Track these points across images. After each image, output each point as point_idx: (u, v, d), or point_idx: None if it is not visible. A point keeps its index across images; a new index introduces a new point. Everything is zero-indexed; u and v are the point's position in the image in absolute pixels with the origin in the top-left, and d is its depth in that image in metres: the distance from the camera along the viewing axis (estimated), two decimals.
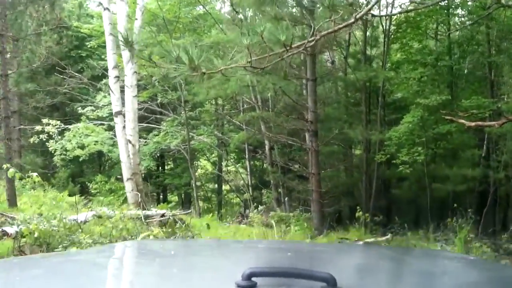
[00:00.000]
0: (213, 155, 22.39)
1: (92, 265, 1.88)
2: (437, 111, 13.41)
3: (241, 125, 17.54)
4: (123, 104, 12.41)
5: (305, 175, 15.14)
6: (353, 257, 2.11)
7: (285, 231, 10.05)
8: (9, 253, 5.98)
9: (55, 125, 16.38)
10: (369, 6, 3.43)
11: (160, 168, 22.80)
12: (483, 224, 13.16)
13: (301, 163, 16.40)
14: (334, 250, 2.54)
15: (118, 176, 17.13)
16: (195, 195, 17.55)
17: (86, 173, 22.34)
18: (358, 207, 12.03)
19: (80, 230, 6.76)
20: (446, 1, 14.35)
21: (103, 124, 17.66)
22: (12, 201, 11.13)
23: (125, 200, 13.26)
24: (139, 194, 11.52)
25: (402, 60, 17.52)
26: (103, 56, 16.61)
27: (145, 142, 18.21)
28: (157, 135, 18.30)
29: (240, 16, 13.91)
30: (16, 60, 15.37)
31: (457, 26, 16.77)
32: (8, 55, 14.46)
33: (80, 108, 18.09)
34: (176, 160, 21.96)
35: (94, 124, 17.59)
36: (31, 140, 17.14)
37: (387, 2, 16.50)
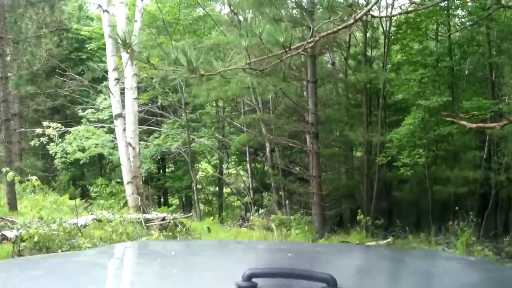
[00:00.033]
0: (214, 157, 22.37)
1: (93, 265, 1.88)
2: (438, 112, 13.36)
3: (242, 127, 17.51)
4: (123, 106, 12.39)
5: (306, 178, 15.10)
6: (353, 258, 2.12)
7: (286, 234, 10.02)
8: (8, 257, 5.94)
9: (56, 128, 16.37)
10: (368, 7, 3.40)
11: (161, 171, 22.77)
12: (484, 226, 13.13)
13: (302, 166, 16.36)
14: (334, 251, 2.54)
15: (119, 179, 17.10)
16: (195, 198, 17.52)
17: (87, 176, 22.31)
18: (359, 210, 12.00)
19: (80, 234, 6.74)
20: (446, 2, 14.31)
21: (103, 127, 17.63)
22: (13, 205, 11.09)
23: (126, 204, 13.22)
24: (139, 198, 11.49)
25: (403, 61, 17.48)
26: (103, 58, 16.60)
27: (146, 144, 18.18)
28: (157, 138, 18.27)
29: (240, 17, 13.91)
30: (16, 62, 15.37)
31: (457, 27, 16.73)
32: (8, 58, 14.45)
33: (80, 110, 18.07)
34: (177, 162, 21.93)
35: (95, 127, 17.57)
36: (32, 143, 17.13)
37: (387, 3, 16.50)
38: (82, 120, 17.76)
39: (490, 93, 15.68)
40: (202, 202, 21.77)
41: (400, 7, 16.66)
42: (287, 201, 16.21)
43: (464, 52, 16.93)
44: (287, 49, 3.19)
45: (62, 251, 5.74)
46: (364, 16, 3.44)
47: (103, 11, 11.86)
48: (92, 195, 18.85)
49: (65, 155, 17.46)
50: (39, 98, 18.11)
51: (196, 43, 14.98)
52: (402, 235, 10.43)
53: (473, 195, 16.06)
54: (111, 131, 15.99)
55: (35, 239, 6.02)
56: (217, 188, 23.70)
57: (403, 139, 14.66)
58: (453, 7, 15.73)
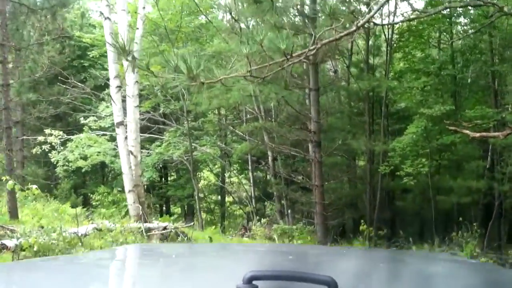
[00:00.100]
0: (216, 166, 22.30)
1: (94, 267, 1.92)
2: (441, 121, 13.27)
3: (244, 135, 17.46)
4: (125, 114, 12.35)
5: (308, 187, 15.02)
6: (354, 260, 2.16)
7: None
8: None
9: (58, 136, 16.34)
10: (371, 14, 3.35)
11: (163, 179, 22.71)
12: (488, 237, 13.00)
13: (304, 175, 16.26)
14: (335, 253, 2.58)
15: (120, 188, 17.05)
16: (197, 207, 17.44)
17: (89, 185, 22.29)
18: (362, 220, 11.90)
19: (80, 244, 6.67)
20: (448, 10, 14.27)
21: (105, 135, 17.60)
22: (14, 213, 11.03)
23: (127, 212, 13.16)
24: (141, 207, 11.41)
25: (405, 69, 17.45)
26: (105, 66, 16.60)
27: (148, 152, 18.13)
28: (159, 146, 18.22)
29: (242, 25, 13.89)
30: (18, 70, 15.39)
31: (459, 35, 16.70)
32: (10, 65, 14.46)
33: (82, 118, 18.05)
34: (179, 171, 21.88)
35: (97, 135, 17.54)
36: (34, 150, 17.10)
37: (389, 11, 16.46)
38: (84, 128, 17.73)
39: (493, 101, 15.59)
40: (204, 211, 21.69)
41: (402, 14, 16.61)
42: (289, 211, 16.12)
43: (466, 60, 16.87)
44: (288, 57, 3.14)
45: None
46: (366, 24, 3.39)
47: (105, 19, 11.83)
48: (94, 203, 18.81)
49: (67, 163, 17.43)
50: (41, 106, 18.10)
51: (198, 50, 14.97)
52: (405, 246, 10.33)
53: (476, 205, 15.96)
54: (113, 139, 15.96)
55: (35, 249, 5.96)
56: (219, 197, 23.62)
57: (406, 148, 14.57)
58: (455, 14, 15.70)
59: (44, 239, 6.09)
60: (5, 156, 11.84)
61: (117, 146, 13.00)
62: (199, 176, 22.26)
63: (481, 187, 14.76)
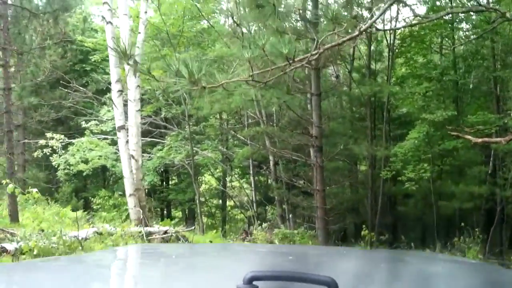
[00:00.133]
0: (218, 170, 22.27)
1: (96, 266, 1.93)
2: (442, 126, 13.26)
3: (246, 140, 17.43)
4: (126, 118, 12.34)
5: (309, 191, 14.99)
6: (354, 261, 2.15)
7: None
8: None
9: (59, 139, 16.35)
10: (374, 19, 3.34)
11: (164, 183, 22.69)
12: (490, 243, 12.96)
13: (306, 179, 16.24)
14: (335, 253, 2.57)
15: (121, 192, 17.03)
16: (198, 211, 17.40)
17: (90, 188, 22.28)
18: (364, 225, 11.87)
19: (80, 248, 6.65)
20: (450, 15, 14.28)
21: (107, 139, 17.59)
22: (14, 217, 11.03)
23: (128, 216, 13.14)
24: (141, 211, 11.39)
25: (407, 74, 17.44)
26: (107, 70, 16.61)
27: (149, 156, 18.12)
28: (161, 150, 18.20)
29: (244, 30, 13.91)
30: (20, 74, 15.40)
31: (461, 40, 16.68)
32: (12, 69, 14.48)
33: (84, 122, 18.06)
34: (180, 175, 21.86)
35: (98, 139, 17.54)
36: (35, 154, 17.13)
37: (391, 16, 16.50)
38: (86, 132, 17.73)
39: (495, 107, 15.56)
40: (205, 215, 21.64)
41: (404, 20, 16.65)
42: (290, 215, 16.08)
43: (468, 65, 16.85)
44: (291, 61, 3.12)
45: None
46: (369, 28, 3.38)
47: (107, 23, 11.85)
48: (94, 207, 18.79)
49: (68, 167, 17.41)
50: (42, 110, 18.12)
51: (199, 55, 14.96)
52: None
53: (478, 211, 15.92)
54: (115, 143, 15.95)
55: (35, 252, 5.95)
56: (220, 201, 23.58)
57: (408, 153, 14.54)
58: (457, 20, 15.72)
59: (44, 243, 6.08)
60: (6, 159, 11.85)
61: (118, 150, 12.99)
62: (200, 180, 22.24)
63: (483, 193, 14.70)
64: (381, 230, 13.94)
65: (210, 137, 19.60)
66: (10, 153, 11.44)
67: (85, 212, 15.79)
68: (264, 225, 13.34)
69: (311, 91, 12.57)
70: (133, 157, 12.11)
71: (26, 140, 18.55)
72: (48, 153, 16.67)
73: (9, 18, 13.54)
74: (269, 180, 19.86)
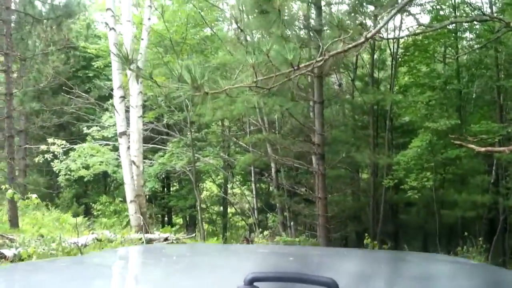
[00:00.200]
0: (219, 177, 22.21)
1: (97, 266, 1.92)
2: (445, 135, 13.20)
3: (247, 147, 17.38)
4: (128, 124, 12.32)
5: (311, 199, 14.92)
6: (354, 262, 2.16)
7: None
8: None
9: (61, 145, 16.34)
10: (380, 26, 3.30)
11: (165, 189, 22.65)
12: (493, 252, 12.87)
13: (308, 187, 16.18)
14: (336, 254, 2.57)
15: (121, 198, 17.00)
16: (199, 217, 17.33)
17: (91, 194, 22.25)
18: (366, 234, 11.80)
19: (79, 254, 6.59)
20: (454, 25, 14.27)
21: (108, 145, 17.59)
22: (14, 222, 11.00)
23: (129, 222, 13.09)
24: (142, 217, 11.34)
25: (410, 83, 17.40)
26: (110, 77, 16.63)
27: (151, 163, 18.09)
28: (162, 156, 18.17)
29: (248, 37, 13.91)
30: (22, 79, 15.41)
31: (465, 50, 16.67)
32: (15, 75, 14.49)
33: (86, 128, 18.06)
34: (182, 181, 21.82)
35: (100, 144, 17.52)
36: (36, 159, 17.12)
37: (394, 25, 16.49)
38: (87, 138, 17.73)
39: (498, 116, 15.51)
40: (206, 221, 21.57)
41: (407, 29, 16.65)
42: (292, 223, 16.01)
43: (472, 75, 16.82)
44: (295, 68, 3.08)
45: None
46: (375, 35, 3.34)
47: (110, 29, 11.85)
48: (95, 213, 18.76)
49: (69, 172, 17.39)
50: (44, 115, 18.13)
51: (202, 62, 14.95)
52: None
53: (480, 220, 15.83)
54: (116, 149, 15.94)
55: (34, 259, 5.89)
56: (221, 208, 23.50)
57: (411, 161, 14.48)
58: (461, 29, 15.69)
59: (43, 249, 6.03)
60: (7, 164, 11.82)
61: (120, 156, 12.96)
62: (202, 187, 22.18)
63: (485, 202, 14.64)
64: (383, 238, 13.85)
65: (212, 144, 19.58)
66: (10, 158, 11.41)
67: (86, 218, 15.78)
68: (265, 232, 13.28)
69: (314, 99, 12.53)
70: (134, 163, 12.07)
71: (27, 146, 18.54)
72: (49, 159, 16.66)
73: (12, 24, 13.58)
74: (270, 187, 19.80)
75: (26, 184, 15.46)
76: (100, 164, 17.38)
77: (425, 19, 15.90)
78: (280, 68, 3.18)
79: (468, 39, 17.34)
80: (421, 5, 14.73)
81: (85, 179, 18.30)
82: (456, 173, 15.51)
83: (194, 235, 13.21)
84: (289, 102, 11.66)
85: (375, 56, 17.14)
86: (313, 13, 11.56)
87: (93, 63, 19.92)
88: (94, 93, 19.37)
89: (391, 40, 16.39)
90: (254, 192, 18.78)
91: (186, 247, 3.97)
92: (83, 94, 18.23)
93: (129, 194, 11.89)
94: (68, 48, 17.14)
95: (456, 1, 15.08)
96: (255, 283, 1.27)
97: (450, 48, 17.51)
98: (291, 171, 17.99)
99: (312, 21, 10.94)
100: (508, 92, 15.95)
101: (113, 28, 11.81)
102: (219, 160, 19.41)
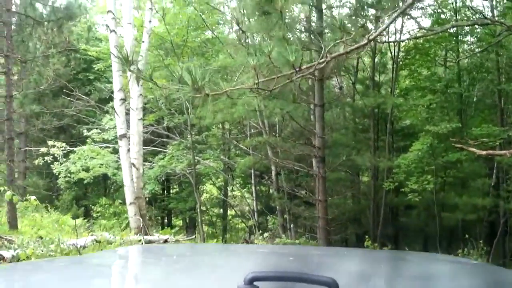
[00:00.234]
0: (219, 179, 22.19)
1: (97, 266, 1.92)
2: (446, 138, 13.18)
3: (248, 150, 17.38)
4: (128, 127, 12.31)
5: (311, 202, 14.91)
6: (355, 261, 2.16)
7: None
8: None
9: (61, 147, 16.33)
10: (383, 27, 3.28)
11: (165, 191, 22.64)
12: (493, 255, 12.84)
13: (308, 189, 16.16)
14: (336, 254, 2.57)
15: (121, 201, 16.97)
16: (199, 219, 17.32)
17: (91, 196, 22.24)
18: (366, 236, 11.77)
19: (78, 256, 6.56)
20: (455, 28, 14.27)
21: (108, 147, 17.58)
22: (13, 224, 10.99)
23: (128, 224, 13.07)
24: (141, 219, 11.32)
25: (411, 86, 17.40)
26: (110, 79, 16.63)
27: (151, 165, 18.08)
28: (162, 159, 18.16)
29: (248, 40, 13.89)
30: (23, 81, 15.39)
31: (466, 53, 16.64)
32: (16, 77, 14.48)
33: (86, 130, 18.05)
34: (182, 184, 21.81)
35: (100, 147, 17.51)
36: (36, 162, 17.10)
37: (395, 29, 16.48)
38: (87, 140, 17.72)
39: (499, 120, 15.49)
40: (206, 224, 21.55)
41: (409, 32, 16.65)
42: (292, 225, 15.98)
43: (473, 78, 16.81)
44: (297, 69, 3.06)
45: None
46: (377, 37, 3.32)
47: (110, 31, 11.85)
48: (95, 215, 18.74)
49: (69, 175, 17.38)
50: (45, 117, 18.12)
51: (203, 65, 14.95)
52: None
53: (481, 223, 15.79)
54: (116, 151, 15.93)
55: (32, 260, 5.87)
56: (221, 210, 23.48)
57: (411, 164, 14.46)
58: (462, 33, 15.69)
59: (42, 251, 6.01)
60: (7, 166, 11.81)
61: (120, 159, 12.95)
62: (202, 189, 22.16)
63: (486, 205, 14.60)
64: (383, 241, 13.83)
65: (212, 146, 19.57)
66: (10, 160, 11.40)
67: (85, 220, 15.76)
68: (265, 234, 13.26)
69: (315, 102, 12.52)
70: (134, 166, 12.06)
71: (27, 148, 18.52)
72: (49, 161, 16.64)
73: (13, 26, 13.58)
74: (270, 190, 19.78)
75: (26, 186, 15.42)
76: (100, 167, 17.37)
77: (426, 22, 15.90)
78: (281, 70, 3.17)
79: (469, 42, 17.35)
80: (422, 8, 14.72)
81: (85, 181, 18.29)
82: (456, 176, 15.50)
83: (194, 237, 13.18)
84: (290, 104, 11.65)
85: (376, 60, 17.12)
86: (314, 16, 11.57)
87: (93, 66, 19.91)
88: (94, 95, 19.37)
89: (392, 44, 16.39)
90: (254, 195, 18.76)
91: (186, 247, 3.96)
92: (84, 96, 18.25)
93: (129, 196, 11.87)
94: (68, 50, 17.13)
95: (457, 5, 15.08)
96: (255, 283, 1.26)
97: (451, 52, 17.49)
98: (291, 174, 17.98)
99: (313, 24, 10.94)
100: (509, 96, 15.93)
101: (114, 31, 11.80)
102: (220, 162, 19.40)
